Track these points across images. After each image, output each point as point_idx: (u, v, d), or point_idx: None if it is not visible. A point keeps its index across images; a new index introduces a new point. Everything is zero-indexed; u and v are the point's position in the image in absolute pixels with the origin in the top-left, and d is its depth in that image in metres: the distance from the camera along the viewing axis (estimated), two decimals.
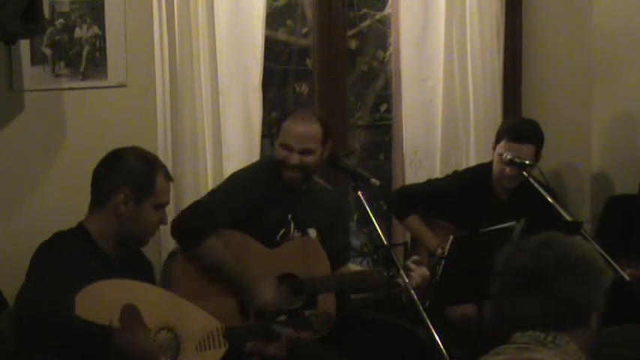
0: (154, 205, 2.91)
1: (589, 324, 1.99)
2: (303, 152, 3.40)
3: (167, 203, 2.99)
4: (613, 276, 2.02)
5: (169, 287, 3.21)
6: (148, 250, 3.22)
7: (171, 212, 3.63)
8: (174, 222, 3.34)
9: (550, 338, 1.95)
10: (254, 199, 3.39)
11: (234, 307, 3.31)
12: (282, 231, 3.46)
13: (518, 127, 4.02)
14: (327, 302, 3.44)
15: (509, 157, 3.84)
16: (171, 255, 3.42)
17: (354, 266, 3.76)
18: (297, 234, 3.49)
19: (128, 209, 2.87)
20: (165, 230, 3.68)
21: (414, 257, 3.37)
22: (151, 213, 2.91)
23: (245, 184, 3.43)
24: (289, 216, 3.48)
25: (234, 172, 3.57)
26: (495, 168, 3.97)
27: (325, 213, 3.58)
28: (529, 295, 1.97)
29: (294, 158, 3.39)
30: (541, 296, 1.96)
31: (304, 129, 3.41)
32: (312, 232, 3.55)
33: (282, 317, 3.22)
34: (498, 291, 2.03)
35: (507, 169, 3.89)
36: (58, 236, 2.86)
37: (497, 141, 3.96)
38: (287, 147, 3.41)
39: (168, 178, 2.98)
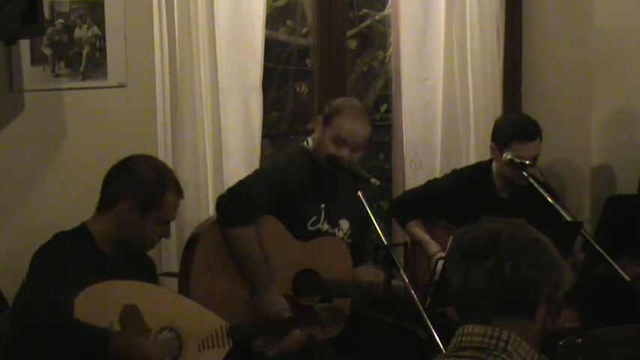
0: (158, 220, 2.90)
1: (535, 315, 1.89)
2: (355, 150, 3.41)
3: (173, 219, 2.97)
4: (571, 278, 1.92)
5: (191, 266, 3.21)
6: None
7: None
8: (220, 198, 3.35)
9: (502, 344, 1.84)
10: (292, 186, 3.39)
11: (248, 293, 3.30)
12: (313, 219, 3.46)
13: (524, 125, 3.96)
14: (341, 301, 3.44)
15: (508, 157, 3.84)
16: (193, 237, 3.36)
17: (371, 268, 3.72)
18: (325, 224, 3.49)
19: (131, 219, 2.86)
20: None
21: None
22: (153, 227, 2.90)
23: (286, 170, 3.42)
24: (322, 205, 3.48)
25: (275, 157, 3.56)
26: (511, 174, 3.89)
27: (359, 205, 3.58)
28: (475, 269, 1.88)
29: (346, 154, 3.37)
30: (486, 271, 1.86)
31: (363, 128, 3.43)
32: (345, 224, 3.55)
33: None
34: (449, 262, 1.94)
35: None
36: (59, 237, 2.86)
37: (504, 145, 3.90)
38: (342, 142, 3.38)
39: (179, 194, 2.95)
